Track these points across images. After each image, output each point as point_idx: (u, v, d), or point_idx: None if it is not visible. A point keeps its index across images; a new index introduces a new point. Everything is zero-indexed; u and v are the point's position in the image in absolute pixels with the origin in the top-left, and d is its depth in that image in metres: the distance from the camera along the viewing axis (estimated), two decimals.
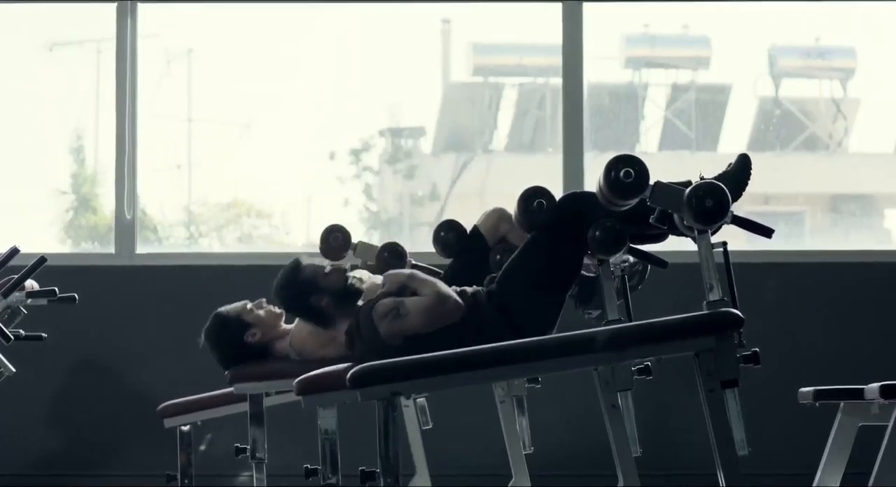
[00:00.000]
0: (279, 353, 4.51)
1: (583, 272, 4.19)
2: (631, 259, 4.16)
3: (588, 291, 4.20)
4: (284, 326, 4.56)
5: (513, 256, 4.06)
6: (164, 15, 6.62)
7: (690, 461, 5.46)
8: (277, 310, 4.53)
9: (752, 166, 3.79)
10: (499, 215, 4.40)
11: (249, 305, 4.52)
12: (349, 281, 4.23)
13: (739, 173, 3.77)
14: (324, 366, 4.05)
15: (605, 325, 3.98)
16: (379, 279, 4.12)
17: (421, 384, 3.45)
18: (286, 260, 6.31)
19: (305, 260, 4.38)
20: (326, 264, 4.31)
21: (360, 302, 4.05)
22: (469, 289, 4.07)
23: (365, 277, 4.43)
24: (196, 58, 6.84)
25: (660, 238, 4.05)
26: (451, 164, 6.93)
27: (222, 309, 4.53)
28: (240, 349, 4.48)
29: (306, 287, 4.31)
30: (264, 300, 4.50)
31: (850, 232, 6.95)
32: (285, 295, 4.36)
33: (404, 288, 3.99)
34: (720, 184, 3.39)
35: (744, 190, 3.75)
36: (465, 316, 3.98)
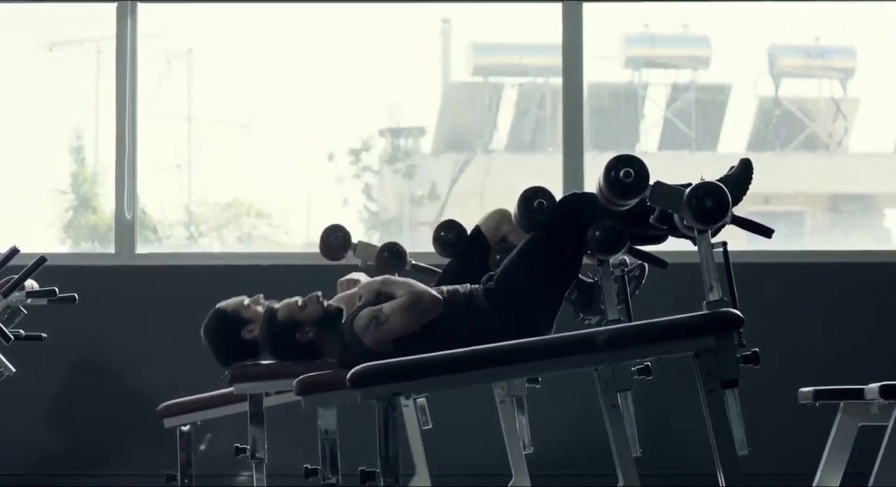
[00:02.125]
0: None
1: (581, 277, 4.19)
2: (629, 260, 4.16)
3: (587, 297, 4.20)
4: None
5: (511, 255, 4.07)
6: (164, 15, 6.62)
7: (690, 461, 5.46)
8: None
9: (754, 170, 3.80)
10: (501, 215, 4.39)
11: (247, 301, 4.46)
12: (326, 305, 4.18)
13: (741, 177, 3.77)
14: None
15: (605, 325, 3.98)
16: (364, 279, 4.11)
17: (421, 384, 3.45)
18: (286, 260, 6.36)
19: (276, 305, 4.26)
20: (297, 298, 4.25)
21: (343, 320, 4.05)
22: (462, 288, 4.07)
23: (362, 280, 4.43)
24: (196, 58, 6.84)
25: (660, 240, 4.05)
26: (451, 164, 6.93)
27: (221, 304, 4.51)
28: (236, 345, 4.43)
29: (289, 329, 4.18)
30: (262, 295, 4.48)
31: (850, 232, 6.95)
32: (275, 347, 4.23)
33: (379, 295, 3.99)
34: (720, 184, 3.39)
35: (744, 194, 3.75)
36: (463, 314, 3.99)
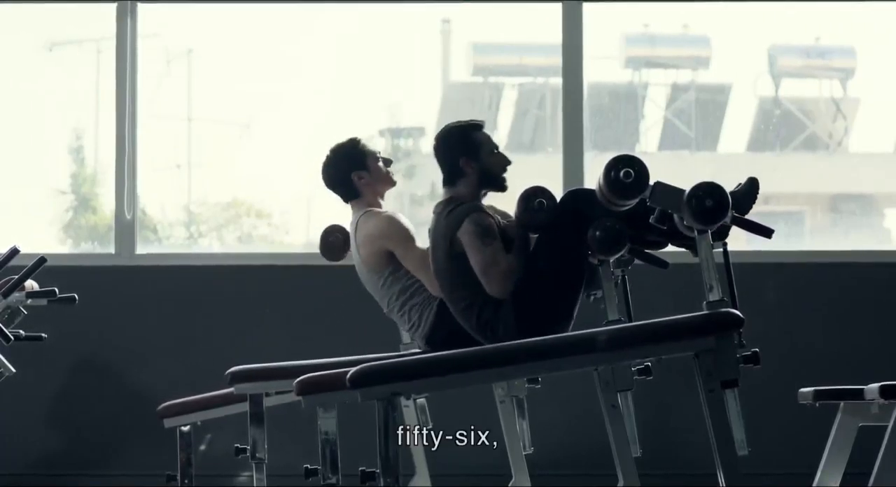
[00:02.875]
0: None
1: None
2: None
3: (589, 274, 4.19)
4: (383, 200, 4.61)
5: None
6: (164, 15, 6.62)
7: (690, 461, 5.46)
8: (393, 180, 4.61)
9: (759, 191, 3.81)
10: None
11: (382, 156, 4.59)
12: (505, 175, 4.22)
13: (747, 194, 3.78)
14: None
15: (605, 325, 3.99)
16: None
17: (421, 384, 3.46)
18: (286, 260, 6.37)
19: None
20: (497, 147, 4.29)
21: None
22: None
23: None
24: (196, 58, 6.84)
25: (659, 246, 4.06)
26: None
27: (362, 139, 4.60)
28: (341, 177, 4.56)
29: (472, 145, 4.22)
30: (383, 161, 4.58)
31: (850, 232, 6.95)
32: (442, 135, 4.26)
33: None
34: (720, 184, 3.40)
35: (748, 211, 3.75)
36: (479, 316, 4.02)
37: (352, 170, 4.56)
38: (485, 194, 4.21)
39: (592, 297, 4.20)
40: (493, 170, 4.19)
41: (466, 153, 4.17)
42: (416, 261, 4.38)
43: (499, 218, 4.16)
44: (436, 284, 4.23)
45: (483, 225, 4.05)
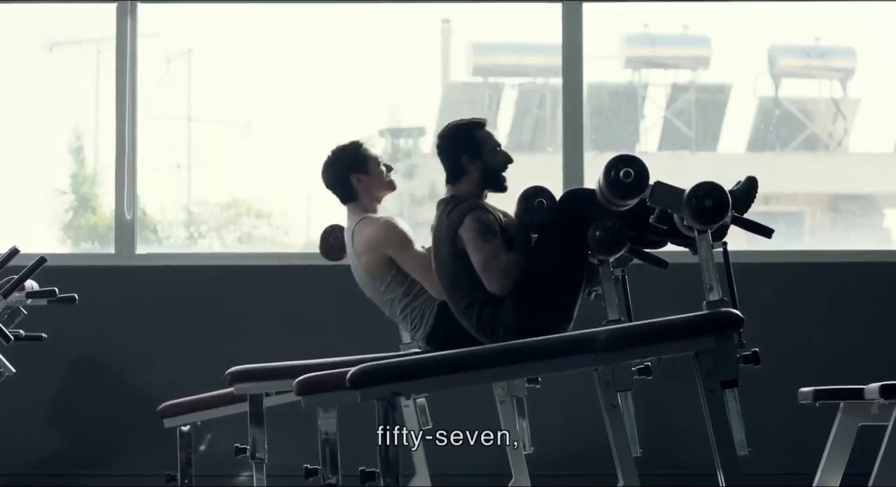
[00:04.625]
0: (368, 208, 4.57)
1: None
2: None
3: (590, 270, 4.19)
4: (381, 204, 4.62)
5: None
6: (164, 15, 6.62)
7: (690, 461, 5.46)
8: (394, 185, 4.61)
9: (758, 189, 3.81)
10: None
11: (382, 160, 4.60)
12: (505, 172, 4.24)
13: (745, 193, 3.78)
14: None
15: (605, 325, 3.99)
16: None
17: (421, 384, 3.46)
18: (286, 260, 6.36)
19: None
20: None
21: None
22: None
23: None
24: (196, 58, 6.84)
25: (658, 245, 4.06)
26: None
27: (363, 142, 4.62)
28: (341, 179, 4.56)
29: (475, 143, 4.23)
30: (386, 168, 4.59)
31: (849, 231, 6.95)
32: (445, 133, 4.28)
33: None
34: (720, 184, 3.40)
35: (747, 210, 3.75)
36: (479, 316, 4.02)
37: (351, 172, 4.56)
38: (486, 194, 4.22)
39: (593, 294, 4.20)
40: (495, 168, 4.20)
41: (469, 151, 4.18)
42: (417, 265, 4.39)
43: (499, 215, 4.16)
44: (436, 287, 4.24)
45: (484, 222, 4.05)
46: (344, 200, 4.61)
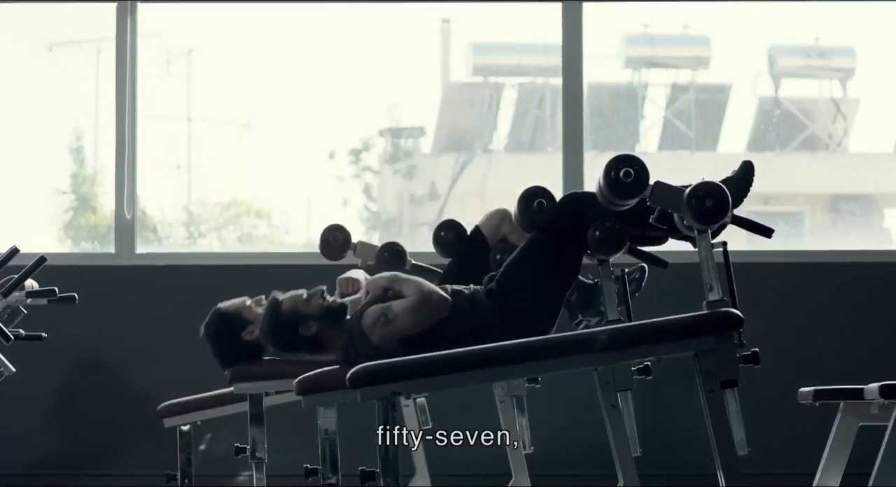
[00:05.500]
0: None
1: (581, 278, 4.19)
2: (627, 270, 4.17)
3: (587, 298, 4.20)
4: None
5: (513, 256, 4.07)
6: (164, 15, 6.62)
7: (690, 461, 5.46)
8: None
9: (755, 172, 3.79)
10: (501, 216, 4.40)
11: (249, 302, 4.46)
12: (331, 300, 4.14)
13: (742, 179, 3.77)
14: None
15: (605, 325, 3.98)
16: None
17: (421, 384, 3.45)
18: (286, 259, 6.37)
19: (281, 296, 4.19)
20: (302, 291, 4.21)
21: (347, 317, 4.03)
22: (466, 289, 4.07)
23: (360, 277, 4.42)
24: (196, 58, 6.84)
25: (659, 241, 4.05)
26: (451, 164, 6.93)
27: (222, 304, 4.49)
28: (237, 346, 4.42)
29: (292, 321, 4.11)
30: (264, 297, 4.46)
31: (849, 232, 6.95)
32: (277, 339, 4.17)
33: (387, 291, 3.98)
34: (720, 183, 3.39)
35: (745, 196, 3.75)
36: (466, 315, 3.99)
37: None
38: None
39: (587, 322, 4.21)
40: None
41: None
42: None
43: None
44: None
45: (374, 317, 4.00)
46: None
